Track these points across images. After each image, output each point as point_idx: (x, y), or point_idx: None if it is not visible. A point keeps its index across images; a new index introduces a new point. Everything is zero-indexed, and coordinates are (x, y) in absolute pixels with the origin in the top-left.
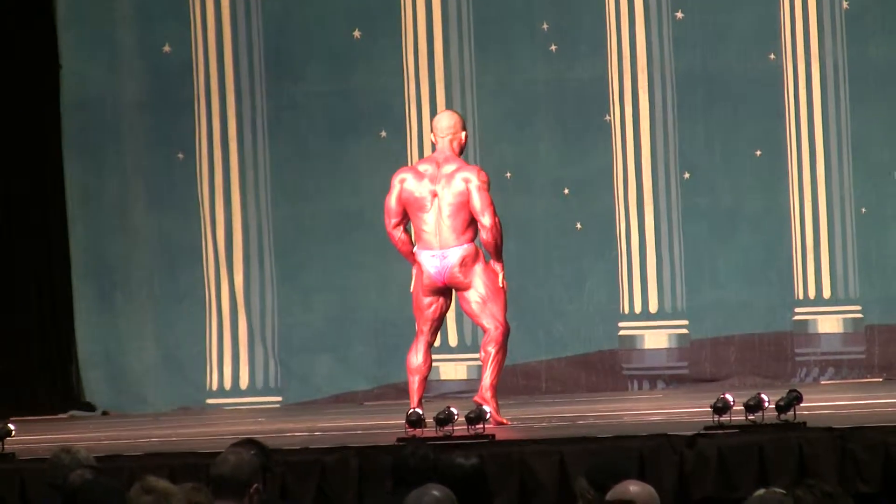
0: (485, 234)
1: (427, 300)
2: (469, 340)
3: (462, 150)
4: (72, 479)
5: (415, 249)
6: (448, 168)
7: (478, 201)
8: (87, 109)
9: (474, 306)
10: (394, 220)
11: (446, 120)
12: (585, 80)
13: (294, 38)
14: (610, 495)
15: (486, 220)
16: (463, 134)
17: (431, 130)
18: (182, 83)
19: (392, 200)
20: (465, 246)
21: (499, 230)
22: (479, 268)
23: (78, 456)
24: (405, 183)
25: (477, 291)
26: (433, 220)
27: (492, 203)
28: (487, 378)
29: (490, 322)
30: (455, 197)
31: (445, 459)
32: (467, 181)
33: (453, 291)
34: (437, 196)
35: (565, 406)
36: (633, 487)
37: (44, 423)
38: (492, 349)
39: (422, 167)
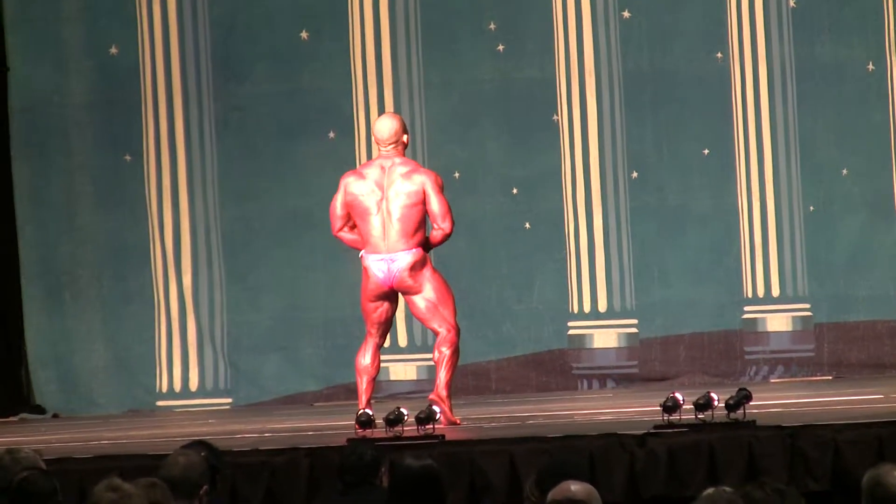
0: (437, 234)
1: (372, 305)
2: (419, 341)
3: (404, 150)
4: (15, 482)
5: (361, 254)
6: (398, 171)
7: (437, 205)
8: (34, 111)
9: (424, 311)
10: (338, 224)
11: (387, 129)
12: (533, 79)
13: (241, 39)
14: (551, 495)
15: (445, 224)
16: (405, 137)
17: (374, 139)
18: (129, 84)
19: (337, 205)
20: (414, 251)
21: (448, 236)
22: (427, 272)
23: (19, 456)
24: (349, 187)
25: (426, 297)
26: (380, 223)
27: (449, 209)
28: (443, 377)
29: (441, 325)
30: (405, 200)
31: (397, 460)
32: (423, 185)
33: (399, 294)
34: (385, 200)
35: (515, 406)
36: (574, 486)
37: None
38: (446, 350)
39: (367, 171)
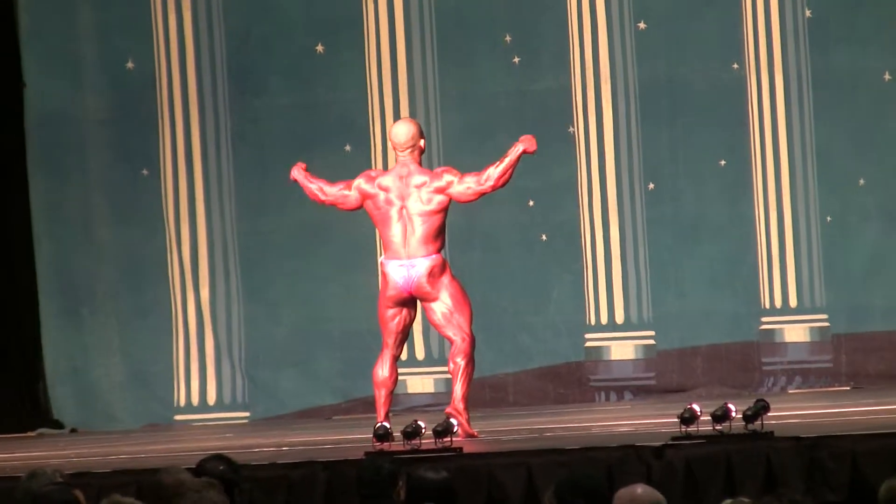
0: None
1: (391, 312)
2: (436, 354)
3: (421, 156)
4: (35, 494)
5: (381, 260)
6: (415, 180)
7: (463, 188)
8: (50, 126)
9: (441, 317)
10: (322, 196)
11: (403, 134)
12: (548, 91)
13: (257, 52)
14: (616, 500)
15: (487, 185)
16: (422, 142)
17: (392, 144)
18: (145, 99)
19: (348, 190)
20: (433, 256)
21: (506, 179)
22: (445, 279)
23: (40, 475)
24: (370, 200)
25: (443, 303)
26: (400, 231)
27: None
28: (459, 389)
29: (457, 333)
30: (424, 208)
31: (414, 473)
32: (437, 188)
33: (418, 303)
34: (405, 208)
35: (532, 418)
36: (640, 489)
37: (12, 442)
38: (461, 361)
39: (385, 180)
